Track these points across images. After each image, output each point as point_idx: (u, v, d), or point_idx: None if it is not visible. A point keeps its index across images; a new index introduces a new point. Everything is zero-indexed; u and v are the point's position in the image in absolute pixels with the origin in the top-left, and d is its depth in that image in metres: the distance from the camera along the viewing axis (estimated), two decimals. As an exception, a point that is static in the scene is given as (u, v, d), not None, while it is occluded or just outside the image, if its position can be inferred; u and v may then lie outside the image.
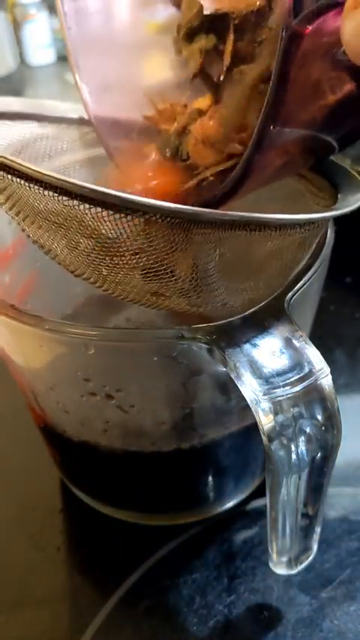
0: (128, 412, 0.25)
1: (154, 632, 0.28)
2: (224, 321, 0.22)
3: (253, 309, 0.22)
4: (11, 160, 0.18)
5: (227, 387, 0.25)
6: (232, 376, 0.21)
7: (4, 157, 0.18)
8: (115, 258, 0.20)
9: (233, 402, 0.26)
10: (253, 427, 0.22)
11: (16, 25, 1.07)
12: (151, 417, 0.26)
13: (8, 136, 0.27)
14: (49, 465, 0.34)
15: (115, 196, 0.17)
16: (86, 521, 0.33)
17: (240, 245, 0.20)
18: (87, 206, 0.18)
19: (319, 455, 0.22)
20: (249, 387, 0.20)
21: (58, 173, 0.18)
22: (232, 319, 0.22)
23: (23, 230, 0.22)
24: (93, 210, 0.19)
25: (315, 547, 0.26)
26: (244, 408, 0.21)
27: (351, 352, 0.42)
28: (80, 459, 0.32)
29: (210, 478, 0.31)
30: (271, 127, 0.19)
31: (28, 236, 0.22)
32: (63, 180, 0.18)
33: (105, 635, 0.28)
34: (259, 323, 0.22)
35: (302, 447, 0.21)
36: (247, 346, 0.21)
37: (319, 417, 0.21)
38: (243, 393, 0.21)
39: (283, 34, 0.17)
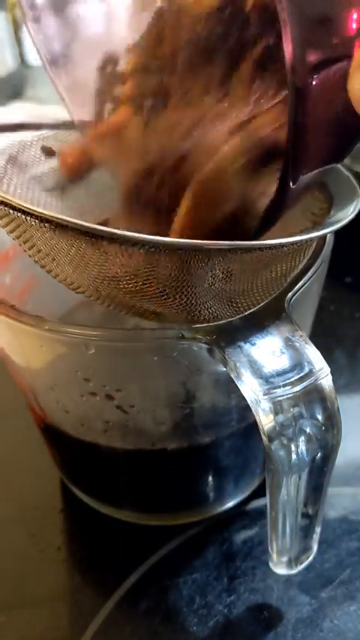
0: (128, 412, 0.25)
1: (154, 632, 0.28)
2: (224, 320, 0.22)
3: (253, 309, 0.22)
4: (5, 197, 0.19)
5: (227, 387, 0.25)
6: (232, 376, 0.21)
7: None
8: (112, 283, 0.21)
9: (233, 402, 0.26)
10: (253, 427, 0.22)
11: (16, 25, 1.07)
12: (151, 417, 0.26)
13: (8, 137, 0.27)
14: (49, 465, 0.34)
15: (107, 232, 0.18)
16: (86, 521, 0.33)
17: (232, 265, 0.20)
18: (85, 238, 0.19)
19: (319, 455, 0.22)
20: (249, 387, 0.20)
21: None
22: (232, 319, 0.22)
23: (25, 251, 0.22)
24: (89, 241, 0.19)
25: (315, 547, 0.26)
26: (244, 407, 0.21)
27: (351, 352, 0.42)
28: (80, 459, 0.32)
29: (210, 478, 0.31)
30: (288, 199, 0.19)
31: (30, 256, 0.22)
32: (57, 218, 0.18)
33: (105, 635, 0.28)
34: (259, 323, 0.22)
35: (302, 447, 0.21)
36: (247, 346, 0.21)
37: (319, 417, 0.21)
38: (243, 392, 0.21)
39: (292, 89, 0.16)
